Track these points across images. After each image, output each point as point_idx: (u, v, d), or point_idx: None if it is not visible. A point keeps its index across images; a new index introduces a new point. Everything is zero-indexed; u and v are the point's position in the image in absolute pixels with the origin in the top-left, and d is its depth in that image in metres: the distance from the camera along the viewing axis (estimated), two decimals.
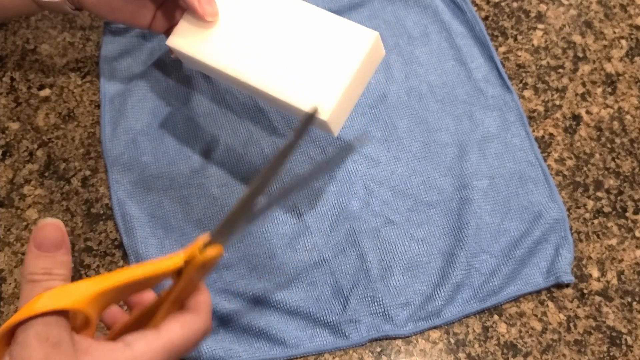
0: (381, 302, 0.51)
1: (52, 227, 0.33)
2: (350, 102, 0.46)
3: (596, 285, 0.52)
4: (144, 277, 0.33)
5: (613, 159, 0.57)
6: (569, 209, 0.55)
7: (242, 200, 0.35)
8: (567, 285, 0.52)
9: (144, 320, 0.36)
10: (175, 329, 0.34)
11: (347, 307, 0.50)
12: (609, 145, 0.58)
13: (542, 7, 0.65)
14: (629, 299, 0.52)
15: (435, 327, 0.51)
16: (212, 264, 0.35)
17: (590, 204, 0.55)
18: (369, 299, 0.51)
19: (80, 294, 0.31)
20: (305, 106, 0.44)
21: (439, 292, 0.51)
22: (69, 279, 0.33)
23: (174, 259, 0.34)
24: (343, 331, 0.50)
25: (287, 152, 0.35)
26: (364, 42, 0.45)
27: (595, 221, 0.55)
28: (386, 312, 0.50)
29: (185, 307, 0.36)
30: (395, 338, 0.50)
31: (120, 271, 0.33)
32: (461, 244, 0.52)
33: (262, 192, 0.35)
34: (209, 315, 0.36)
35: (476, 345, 0.50)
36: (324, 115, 0.44)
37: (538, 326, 0.51)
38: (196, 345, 0.36)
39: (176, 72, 0.60)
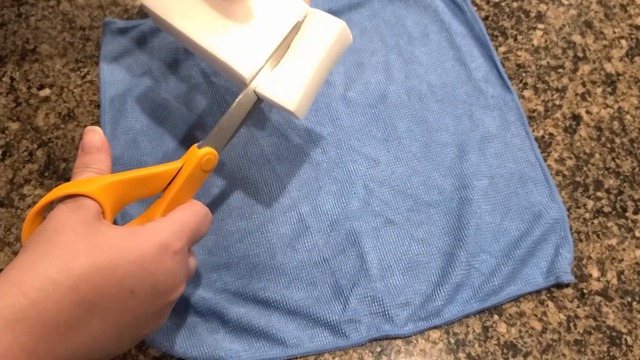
0: (381, 302, 0.51)
1: (93, 133, 0.43)
2: (315, 88, 0.48)
3: (596, 285, 0.52)
4: (150, 174, 0.41)
5: (613, 159, 0.57)
6: (568, 209, 0.55)
7: (230, 112, 0.46)
8: (567, 285, 0.52)
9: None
10: (182, 212, 0.41)
11: (347, 307, 0.50)
12: (609, 145, 0.58)
13: (542, 7, 0.65)
14: (629, 299, 0.52)
15: (435, 327, 0.51)
16: (207, 164, 0.44)
17: (590, 203, 0.55)
18: (369, 298, 0.51)
19: (94, 184, 0.38)
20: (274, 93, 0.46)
21: (439, 292, 0.51)
22: (104, 173, 0.41)
23: (174, 162, 0.43)
24: (343, 331, 0.50)
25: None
26: (331, 31, 0.47)
27: (595, 221, 0.55)
28: (386, 312, 0.50)
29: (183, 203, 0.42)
30: (395, 338, 0.50)
31: (129, 171, 0.40)
32: (461, 244, 0.52)
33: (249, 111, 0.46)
34: (200, 205, 0.43)
35: (476, 345, 0.50)
36: (290, 106, 0.45)
37: (538, 326, 0.51)
38: (204, 226, 0.42)
39: (176, 73, 0.60)
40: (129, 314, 0.36)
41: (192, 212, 0.41)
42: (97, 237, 0.35)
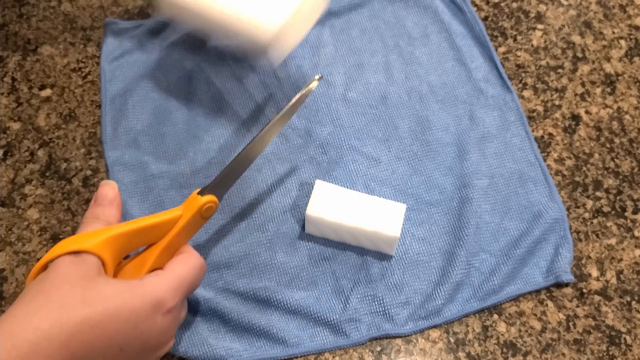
0: (381, 301, 0.51)
1: (108, 186, 0.44)
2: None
3: (595, 285, 0.53)
4: (151, 224, 0.41)
5: (612, 159, 0.58)
6: (568, 209, 0.55)
7: (234, 160, 0.46)
8: (567, 285, 0.52)
9: (136, 269, 0.42)
10: (179, 266, 0.41)
11: (347, 306, 0.50)
12: (608, 145, 0.58)
13: (542, 8, 0.65)
14: (628, 299, 0.52)
15: (435, 326, 0.51)
16: (208, 211, 0.44)
17: (590, 203, 0.56)
18: (370, 298, 0.51)
19: (96, 238, 0.38)
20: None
21: (439, 291, 0.51)
22: (112, 224, 0.41)
23: (174, 210, 0.43)
24: (343, 330, 0.50)
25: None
26: None
27: (595, 221, 0.55)
28: (386, 311, 0.51)
29: (178, 253, 0.43)
30: (396, 337, 0.50)
31: (129, 222, 0.40)
32: (461, 243, 0.52)
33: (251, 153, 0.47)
34: (194, 253, 0.43)
35: (476, 345, 0.50)
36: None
37: (537, 325, 0.51)
38: (199, 280, 0.42)
39: (177, 73, 0.60)
40: None
41: (190, 267, 0.41)
42: (93, 292, 0.35)
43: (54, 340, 0.33)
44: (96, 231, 0.39)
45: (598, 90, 0.61)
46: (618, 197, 0.56)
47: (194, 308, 0.50)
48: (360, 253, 0.52)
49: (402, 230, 0.53)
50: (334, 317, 0.50)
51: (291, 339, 0.49)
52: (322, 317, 0.50)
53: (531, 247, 0.53)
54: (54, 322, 0.33)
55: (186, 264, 0.41)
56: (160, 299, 0.37)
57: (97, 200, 0.43)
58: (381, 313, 0.50)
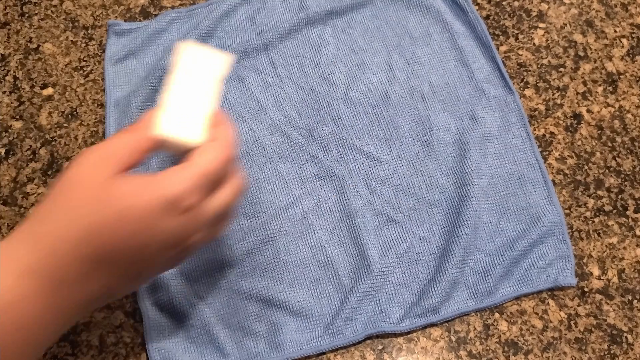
0: (379, 300, 0.51)
1: None
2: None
3: (597, 284, 0.53)
4: None
5: (614, 158, 0.58)
6: (569, 208, 0.55)
7: None
8: None
9: None
10: (202, 157, 0.37)
11: (347, 304, 0.51)
12: (609, 144, 0.58)
13: (543, 6, 0.65)
14: (630, 297, 0.52)
15: (432, 324, 0.51)
16: None
17: (591, 202, 0.56)
18: (369, 296, 0.51)
19: (121, 140, 0.37)
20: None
21: (435, 288, 0.51)
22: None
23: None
24: (340, 329, 0.50)
25: None
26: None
27: (596, 220, 0.55)
28: (383, 310, 0.51)
29: (208, 139, 0.39)
30: (393, 335, 0.50)
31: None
32: (458, 241, 0.52)
33: None
34: (227, 141, 0.39)
35: (477, 343, 0.50)
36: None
37: (539, 324, 0.51)
38: (223, 168, 0.38)
39: None
40: (139, 264, 0.37)
41: (213, 157, 0.37)
42: (107, 193, 0.34)
43: (69, 242, 0.34)
44: (123, 138, 0.38)
45: (600, 89, 0.61)
46: (619, 196, 0.56)
47: (193, 316, 0.50)
48: (362, 252, 0.52)
49: (402, 229, 0.53)
50: (334, 316, 0.50)
51: (291, 341, 0.50)
52: (323, 317, 0.51)
53: (527, 249, 0.53)
54: (68, 224, 0.34)
55: (210, 154, 0.37)
56: (175, 197, 0.35)
57: (147, 119, 0.39)
58: (378, 311, 0.51)
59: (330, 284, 0.52)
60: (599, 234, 0.54)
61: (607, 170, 0.57)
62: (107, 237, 0.34)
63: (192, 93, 0.40)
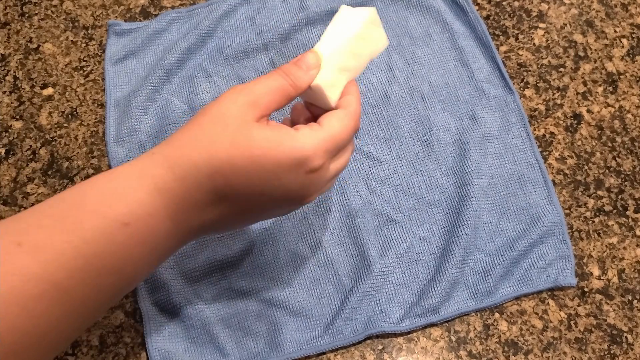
0: (379, 300, 0.51)
1: (313, 55, 0.41)
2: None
3: (597, 284, 0.53)
4: None
5: (614, 158, 0.58)
6: (569, 208, 0.55)
7: None
8: None
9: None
10: (336, 123, 0.39)
11: (347, 304, 0.51)
12: (609, 144, 0.58)
13: (544, 6, 0.65)
14: (630, 297, 0.52)
15: (432, 324, 0.51)
16: None
17: (591, 202, 0.56)
18: (369, 296, 0.51)
19: (266, 86, 0.39)
20: None
21: (435, 289, 0.51)
22: (295, 87, 0.40)
23: None
24: (340, 329, 0.50)
25: None
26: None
27: (596, 220, 0.55)
28: (383, 310, 0.51)
29: (338, 105, 0.41)
30: (393, 335, 0.50)
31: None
32: (458, 241, 0.52)
33: None
34: (357, 112, 0.41)
35: (477, 343, 0.50)
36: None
37: (539, 324, 0.51)
38: (349, 137, 0.40)
39: (179, 73, 0.60)
40: (257, 207, 0.39)
41: (345, 126, 0.39)
42: (242, 137, 0.36)
43: (201, 170, 0.36)
44: (274, 82, 0.39)
45: (600, 89, 0.61)
46: (619, 196, 0.56)
47: (193, 316, 0.50)
48: (362, 251, 0.52)
49: (402, 229, 0.53)
50: (334, 316, 0.50)
51: (290, 341, 0.50)
52: (323, 317, 0.51)
53: (527, 249, 0.53)
54: (202, 155, 0.36)
55: (343, 121, 0.40)
56: (306, 157, 0.37)
57: (298, 62, 0.41)
58: (378, 311, 0.51)
59: (330, 283, 0.52)
60: (599, 234, 0.54)
61: (607, 171, 0.57)
62: (236, 177, 0.36)
63: (350, 58, 0.42)
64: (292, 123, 0.44)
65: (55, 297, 0.33)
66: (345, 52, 0.42)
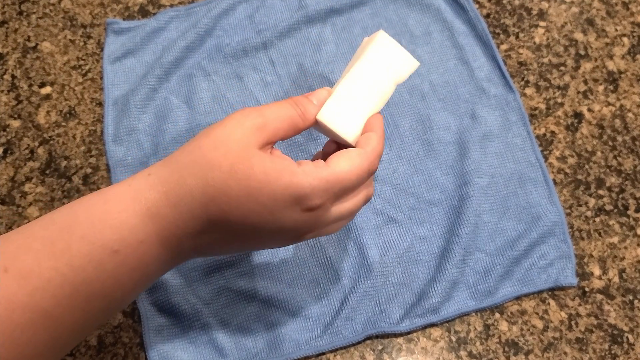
0: (379, 300, 0.51)
1: (325, 91, 0.40)
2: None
3: (598, 284, 0.52)
4: None
5: (615, 157, 0.57)
6: (570, 207, 0.55)
7: None
8: None
9: None
10: (343, 163, 0.37)
11: (346, 304, 0.50)
12: (610, 143, 0.58)
13: (544, 5, 0.64)
14: (631, 297, 0.52)
15: (432, 325, 0.51)
16: None
17: (592, 202, 0.55)
18: (369, 296, 0.51)
19: (277, 114, 0.38)
20: None
21: (435, 288, 0.51)
22: (305, 117, 0.39)
23: None
24: (340, 329, 0.50)
25: None
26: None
27: (597, 219, 0.55)
28: (383, 310, 0.51)
29: (359, 142, 0.39)
30: (393, 335, 0.50)
31: None
32: (459, 241, 0.52)
33: None
34: (375, 151, 0.39)
35: (477, 344, 0.50)
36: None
37: (539, 324, 0.51)
38: (359, 179, 0.38)
39: (178, 71, 0.60)
40: (250, 239, 0.38)
41: (353, 168, 0.37)
42: (243, 166, 0.35)
43: (196, 198, 0.35)
44: (284, 110, 0.38)
45: (600, 88, 0.60)
46: (620, 196, 0.56)
47: (193, 316, 0.50)
48: (362, 251, 0.52)
49: (402, 228, 0.53)
50: (334, 316, 0.50)
51: (290, 341, 0.50)
52: (323, 317, 0.50)
53: (528, 248, 0.53)
54: (199, 182, 0.35)
55: (352, 163, 0.37)
56: (303, 195, 0.35)
57: (310, 95, 0.40)
58: (378, 311, 0.50)
59: (330, 283, 0.52)
60: (599, 234, 0.54)
61: (608, 170, 0.57)
62: (231, 208, 0.35)
63: (367, 87, 0.40)
64: (324, 155, 0.42)
65: (42, 325, 0.32)
66: (355, 80, 0.40)
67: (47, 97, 0.59)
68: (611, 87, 0.60)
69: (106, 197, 0.36)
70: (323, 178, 0.36)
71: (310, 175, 0.36)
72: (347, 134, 0.39)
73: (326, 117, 0.39)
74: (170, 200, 0.35)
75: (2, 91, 0.60)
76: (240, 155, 0.35)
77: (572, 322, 0.51)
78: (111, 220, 0.35)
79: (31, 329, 0.32)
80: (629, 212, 0.55)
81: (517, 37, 0.63)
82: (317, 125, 0.40)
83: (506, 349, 0.50)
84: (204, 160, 0.35)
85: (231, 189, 0.35)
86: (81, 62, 0.61)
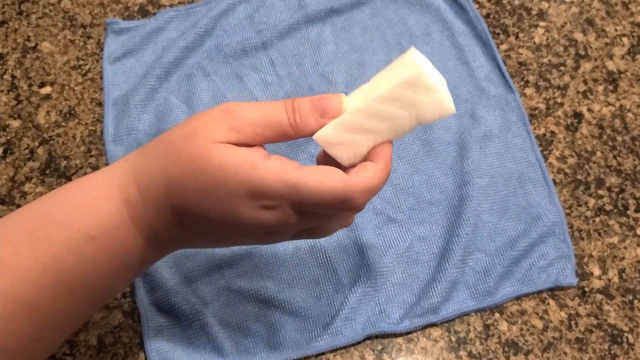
0: (379, 300, 0.51)
1: (336, 99, 0.36)
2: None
3: (597, 284, 0.52)
4: None
5: (614, 157, 0.57)
6: (570, 207, 0.55)
7: None
8: None
9: None
10: (311, 175, 0.33)
11: (346, 304, 0.50)
12: (610, 143, 0.58)
13: (544, 5, 0.64)
14: (630, 297, 0.52)
15: (432, 325, 0.51)
16: None
17: (592, 202, 0.55)
18: (369, 296, 0.51)
19: (258, 113, 0.35)
20: None
21: (435, 288, 0.51)
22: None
23: None
24: (339, 329, 0.50)
25: None
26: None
27: (597, 219, 0.55)
28: (383, 310, 0.51)
29: (367, 157, 0.36)
30: (392, 335, 0.50)
31: None
32: (458, 241, 0.52)
33: None
34: (361, 184, 0.34)
35: (477, 344, 0.50)
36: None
37: (539, 324, 0.51)
38: (327, 203, 0.34)
39: (178, 71, 0.60)
40: (220, 234, 0.37)
41: (327, 187, 0.33)
42: (202, 158, 0.33)
43: (159, 186, 0.35)
44: (273, 114, 0.34)
45: (600, 88, 0.60)
46: (620, 196, 0.56)
47: (194, 317, 0.50)
48: (362, 251, 0.52)
49: (402, 228, 0.53)
50: (333, 316, 0.50)
51: (290, 342, 0.50)
52: (322, 317, 0.50)
53: (527, 248, 0.53)
54: (162, 171, 0.35)
55: (322, 182, 0.33)
56: (258, 192, 0.33)
57: (319, 101, 0.35)
58: (378, 311, 0.50)
59: (329, 283, 0.52)
60: (599, 234, 0.54)
61: (607, 170, 0.57)
62: (189, 200, 0.34)
63: (381, 120, 0.35)
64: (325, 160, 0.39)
65: (25, 316, 0.32)
66: (366, 112, 0.34)
67: (47, 97, 0.59)
68: (611, 87, 0.60)
69: (84, 184, 0.36)
70: (283, 180, 0.33)
71: (271, 173, 0.33)
72: (344, 162, 0.36)
73: (323, 139, 0.35)
74: (140, 186, 0.35)
75: (2, 91, 0.60)
76: (202, 149, 0.33)
77: (572, 322, 0.51)
78: (87, 206, 0.34)
79: (14, 319, 0.32)
80: (628, 212, 0.55)
81: (517, 37, 0.63)
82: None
83: (506, 349, 0.50)
84: (170, 149, 0.35)
85: (189, 181, 0.34)
86: (81, 62, 0.61)
